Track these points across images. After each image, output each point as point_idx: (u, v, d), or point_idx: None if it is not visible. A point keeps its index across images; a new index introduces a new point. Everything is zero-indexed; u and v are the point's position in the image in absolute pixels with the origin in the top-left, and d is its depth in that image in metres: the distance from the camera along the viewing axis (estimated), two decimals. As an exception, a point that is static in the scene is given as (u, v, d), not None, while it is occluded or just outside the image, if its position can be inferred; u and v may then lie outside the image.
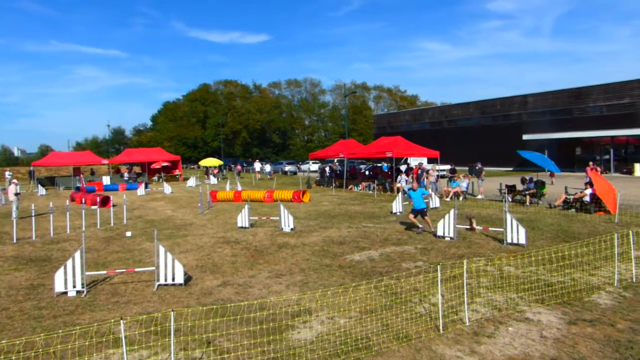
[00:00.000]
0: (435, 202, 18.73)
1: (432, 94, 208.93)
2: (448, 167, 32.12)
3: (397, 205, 17.39)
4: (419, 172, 24.96)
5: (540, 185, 19.42)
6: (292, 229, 13.96)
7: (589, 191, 16.64)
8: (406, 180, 24.92)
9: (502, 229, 11.47)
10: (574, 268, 8.93)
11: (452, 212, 12.07)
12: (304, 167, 57.45)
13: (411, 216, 13.49)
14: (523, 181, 20.42)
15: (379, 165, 35.45)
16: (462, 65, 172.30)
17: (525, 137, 45.89)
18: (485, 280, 8.28)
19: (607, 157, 41.30)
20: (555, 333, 5.95)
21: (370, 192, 26.15)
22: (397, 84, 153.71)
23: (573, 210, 16.82)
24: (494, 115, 55.49)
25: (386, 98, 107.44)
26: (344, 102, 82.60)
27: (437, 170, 25.49)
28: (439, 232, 12.27)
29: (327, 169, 36.66)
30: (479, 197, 22.28)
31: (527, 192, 19.34)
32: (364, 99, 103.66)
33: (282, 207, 14.22)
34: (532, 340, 5.73)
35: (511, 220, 11.15)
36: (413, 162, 34.00)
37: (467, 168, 37.32)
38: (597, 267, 8.96)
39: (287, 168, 57.25)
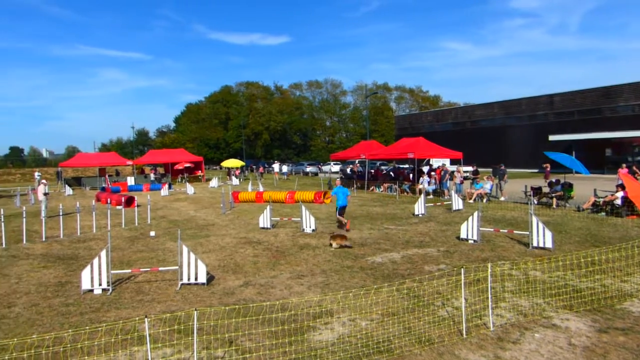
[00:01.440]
0: (458, 204, 18.52)
1: (454, 95, 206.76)
2: (471, 168, 31.79)
3: (420, 207, 17.25)
4: (442, 173, 24.72)
5: (568, 187, 19.02)
6: (313, 230, 13.98)
7: (620, 194, 16.22)
8: (428, 182, 24.73)
9: (528, 232, 11.27)
10: (604, 274, 8.71)
11: (475, 214, 11.92)
12: (325, 168, 57.47)
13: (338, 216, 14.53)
14: (550, 184, 20.03)
15: (403, 167, 35.22)
16: (484, 64, 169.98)
17: (551, 137, 45.03)
18: (510, 284, 8.15)
19: (639, 158, 40.24)
20: (584, 341, 5.81)
21: (392, 193, 26.01)
22: (419, 84, 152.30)
23: (603, 213, 16.42)
24: (519, 115, 54.62)
25: (408, 99, 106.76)
26: (365, 103, 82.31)
27: (462, 172, 25.19)
28: (463, 235, 12.13)
29: (349, 170, 36.59)
30: (502, 199, 21.95)
31: (553, 195, 18.97)
32: (385, 99, 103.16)
33: (303, 208, 14.25)
34: (559, 348, 5.62)
35: (537, 223, 10.95)
36: (435, 163, 33.68)
37: (490, 170, 36.82)
38: (629, 274, 8.71)
39: (309, 169, 57.38)
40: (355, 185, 29.28)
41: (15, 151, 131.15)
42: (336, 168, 52.53)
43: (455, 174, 24.39)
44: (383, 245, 11.84)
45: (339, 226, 14.53)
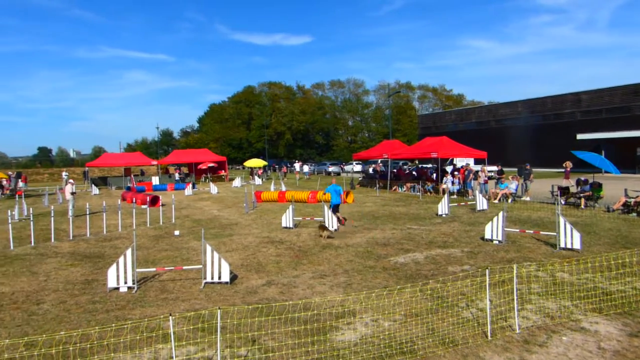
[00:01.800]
0: (482, 204, 18.25)
1: (478, 93, 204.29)
2: (496, 168, 31.28)
3: (443, 207, 17.06)
4: (466, 173, 24.41)
5: (597, 187, 18.54)
6: (335, 230, 13.96)
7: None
8: (452, 182, 24.44)
9: (555, 233, 11.02)
10: (635, 276, 8.46)
11: (500, 214, 11.73)
12: (347, 167, 57.40)
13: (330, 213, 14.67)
14: (578, 182, 19.57)
15: (426, 166, 34.92)
16: (509, 62, 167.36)
17: (579, 136, 44.04)
18: (537, 286, 7.99)
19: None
20: (614, 345, 5.65)
21: (415, 193, 25.80)
22: (442, 83, 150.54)
23: (634, 214, 15.96)
24: (545, 114, 53.56)
25: (431, 98, 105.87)
26: (387, 102, 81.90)
27: (487, 172, 24.83)
28: (487, 236, 11.95)
29: (371, 169, 36.43)
30: (527, 199, 21.55)
31: (582, 195, 18.53)
32: (408, 98, 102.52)
33: (325, 208, 14.24)
34: (588, 352, 5.47)
35: (564, 224, 10.71)
36: (459, 163, 33.28)
37: (515, 169, 36.21)
38: (659, 275, 8.45)
39: (331, 169, 57.36)
40: (377, 185, 29.13)
41: (44, 151, 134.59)
42: (358, 168, 52.43)
43: (480, 173, 24.05)
44: (406, 246, 11.74)
45: (337, 221, 14.71)
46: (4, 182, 34.86)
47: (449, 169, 28.04)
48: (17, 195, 26.90)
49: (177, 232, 14.46)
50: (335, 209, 15.05)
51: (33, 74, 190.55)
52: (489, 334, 5.91)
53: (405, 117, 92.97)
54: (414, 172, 31.27)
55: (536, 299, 7.31)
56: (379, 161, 38.58)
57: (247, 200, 20.39)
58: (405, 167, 38.37)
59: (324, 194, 16.51)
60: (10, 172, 46.78)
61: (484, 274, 7.44)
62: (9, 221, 13.25)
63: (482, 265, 9.52)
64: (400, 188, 28.10)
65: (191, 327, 6.37)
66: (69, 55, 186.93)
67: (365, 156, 36.16)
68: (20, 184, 38.84)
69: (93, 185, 37.23)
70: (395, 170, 33.15)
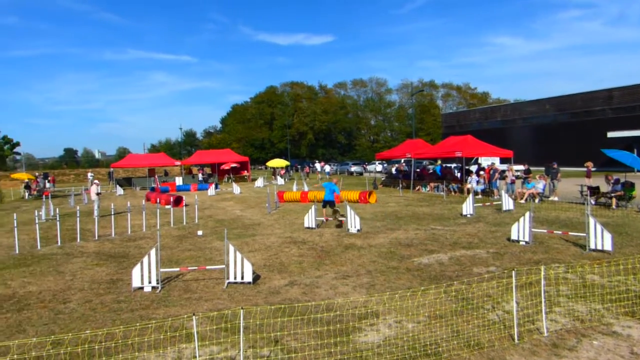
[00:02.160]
0: (508, 204, 17.94)
1: (504, 91, 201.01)
2: (522, 167, 30.73)
3: (468, 207, 16.84)
4: (491, 172, 24.06)
5: (629, 186, 18.04)
6: (358, 230, 13.92)
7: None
8: (477, 181, 24.12)
9: (584, 234, 10.76)
10: (668, 278, 8.20)
11: (527, 214, 11.51)
12: (370, 167, 57.19)
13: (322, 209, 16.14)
14: (606, 179, 19.06)
15: (450, 166, 34.54)
16: (536, 59, 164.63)
17: (610, 134, 42.95)
18: (565, 288, 7.81)
19: None
20: (647, 348, 5.48)
21: (439, 193, 25.54)
22: (467, 81, 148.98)
23: (666, 214, 15.49)
24: (574, 111, 52.38)
25: (455, 96, 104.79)
26: (410, 101, 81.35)
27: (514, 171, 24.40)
28: (514, 236, 11.74)
29: (394, 169, 36.21)
30: (555, 199, 21.10)
31: (613, 194, 18.06)
32: (432, 97, 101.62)
33: (348, 207, 14.21)
34: (620, 357, 5.32)
35: (595, 224, 10.44)
36: (484, 162, 32.81)
37: (542, 168, 35.52)
38: (695, 278, 8.17)
39: (353, 169, 57.23)
40: (400, 185, 28.94)
41: (70, 152, 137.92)
42: (381, 167, 52.16)
43: (507, 173, 23.67)
44: (430, 246, 11.63)
45: (332, 218, 15.75)
46: (32, 183, 35.83)
47: (473, 168, 27.67)
48: (44, 196, 27.57)
49: (200, 232, 14.62)
50: (325, 204, 16.08)
51: (60, 76, 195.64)
52: (515, 337, 5.80)
53: (429, 116, 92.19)
54: (437, 172, 30.94)
55: (565, 302, 7.14)
56: (402, 161, 38.35)
57: (269, 200, 20.49)
58: (429, 166, 38.04)
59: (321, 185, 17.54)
60: (37, 173, 48.11)
61: (510, 276, 7.30)
62: (36, 221, 13.61)
63: (508, 266, 9.35)
64: (423, 188, 27.86)
65: (214, 327, 6.43)
66: (95, 58, 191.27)
67: (388, 156, 35.98)
68: (48, 184, 39.92)
69: (118, 186, 37.95)
70: (418, 170, 32.92)
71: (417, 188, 28.44)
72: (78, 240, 13.98)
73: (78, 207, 16.24)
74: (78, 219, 14.37)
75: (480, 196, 23.04)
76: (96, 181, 21.70)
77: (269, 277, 9.12)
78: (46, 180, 40.35)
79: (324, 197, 16.18)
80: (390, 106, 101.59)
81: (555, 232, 12.32)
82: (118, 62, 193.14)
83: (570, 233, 11.93)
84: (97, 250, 12.57)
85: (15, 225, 12.97)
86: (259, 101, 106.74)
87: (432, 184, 27.31)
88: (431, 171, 31.38)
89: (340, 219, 15.31)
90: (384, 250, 11.27)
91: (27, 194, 34.14)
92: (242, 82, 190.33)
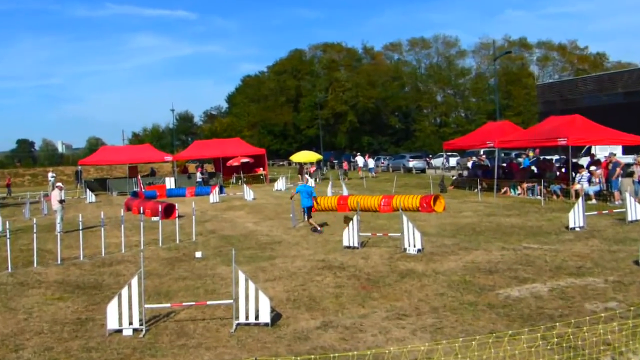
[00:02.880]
0: (636, 212, 17.47)
1: (627, 51, 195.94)
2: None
3: (577, 218, 16.52)
4: (611, 167, 23.55)
5: None
6: (419, 251, 13.86)
7: None
8: (589, 180, 23.65)
9: None
10: None
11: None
12: (435, 161, 56.80)
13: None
14: None
15: (550, 158, 34.02)
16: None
17: None
18: None
19: None
20: None
21: (535, 197, 25.15)
22: (573, 37, 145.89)
23: None
24: None
25: (557, 59, 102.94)
26: (493, 68, 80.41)
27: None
28: None
29: (470, 164, 35.87)
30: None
31: None
32: (523, 61, 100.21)
33: (405, 219, 14.15)
34: None
35: None
36: (600, 152, 32.09)
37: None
38: None
39: (412, 163, 56.99)
40: (480, 186, 28.63)
41: (24, 145, 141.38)
42: (452, 161, 51.72)
43: (634, 167, 23.12)
44: (522, 273, 11.48)
45: (313, 230, 17.77)
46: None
47: (584, 161, 27.14)
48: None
49: (199, 254, 14.75)
50: (309, 213, 18.25)
51: (12, 40, 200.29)
52: (648, 404, 5.65)
53: (519, 89, 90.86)
54: (532, 167, 30.50)
55: None
56: (482, 152, 37.93)
57: (294, 209, 20.57)
58: (520, 159, 37.55)
59: (294, 193, 19.43)
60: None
61: (638, 315, 7.10)
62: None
63: (635, 301, 9.13)
64: (512, 190, 27.57)
65: (218, 385, 6.48)
66: (59, 15, 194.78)
67: (461, 145, 35.74)
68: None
69: (88, 190, 38.60)
70: (505, 165, 32.43)
71: (503, 190, 28.14)
72: (35, 264, 14.30)
73: (35, 220, 16.64)
74: (35, 235, 14.62)
75: (594, 201, 22.63)
76: (59, 184, 22.15)
77: (294, 317, 9.16)
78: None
79: (301, 204, 18.26)
80: (464, 75, 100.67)
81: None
82: (90, 20, 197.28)
83: None
84: (60, 278, 12.86)
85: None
86: (280, 71, 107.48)
87: (524, 185, 26.96)
88: (523, 166, 30.95)
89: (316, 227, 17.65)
90: (455, 279, 11.18)
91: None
92: (257, 44, 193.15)
